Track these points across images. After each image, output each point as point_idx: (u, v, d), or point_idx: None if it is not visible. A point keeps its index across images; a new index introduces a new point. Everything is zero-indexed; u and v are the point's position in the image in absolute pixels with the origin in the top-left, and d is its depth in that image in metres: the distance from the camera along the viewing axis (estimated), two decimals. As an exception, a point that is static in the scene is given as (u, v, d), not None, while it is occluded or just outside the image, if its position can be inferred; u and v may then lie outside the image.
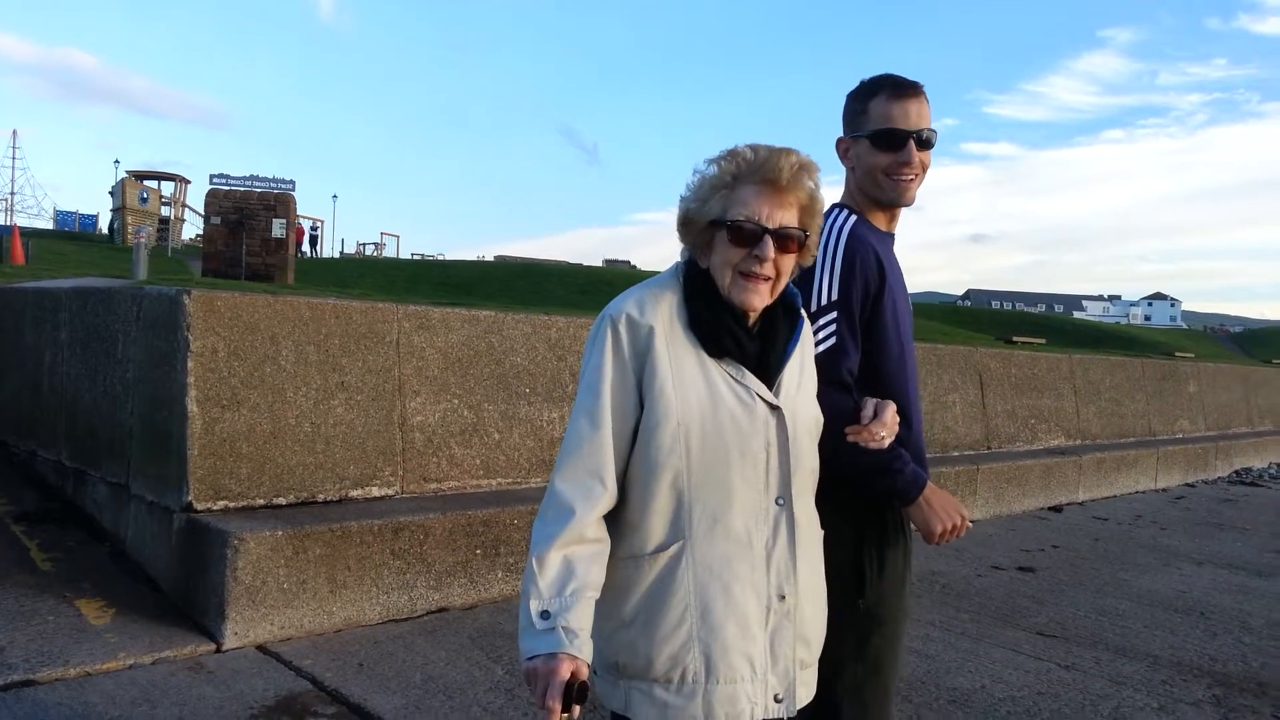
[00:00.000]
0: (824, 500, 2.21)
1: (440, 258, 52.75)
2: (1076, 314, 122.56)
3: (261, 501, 4.59)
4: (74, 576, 4.59)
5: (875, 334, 2.25)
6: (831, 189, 2.47)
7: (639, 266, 50.41)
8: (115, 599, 4.38)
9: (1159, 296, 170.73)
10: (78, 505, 5.49)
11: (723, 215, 1.78)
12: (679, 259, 1.93)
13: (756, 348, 1.83)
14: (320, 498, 4.79)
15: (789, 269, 1.84)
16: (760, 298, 1.80)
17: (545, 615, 1.65)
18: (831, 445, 2.11)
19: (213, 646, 4.04)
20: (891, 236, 2.38)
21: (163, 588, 4.56)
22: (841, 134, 2.38)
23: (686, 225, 1.86)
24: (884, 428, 2.04)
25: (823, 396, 2.09)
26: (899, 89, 2.28)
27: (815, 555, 1.92)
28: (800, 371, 1.92)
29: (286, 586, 4.24)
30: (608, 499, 1.75)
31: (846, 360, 2.19)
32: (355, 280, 27.12)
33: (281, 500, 4.65)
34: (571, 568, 1.70)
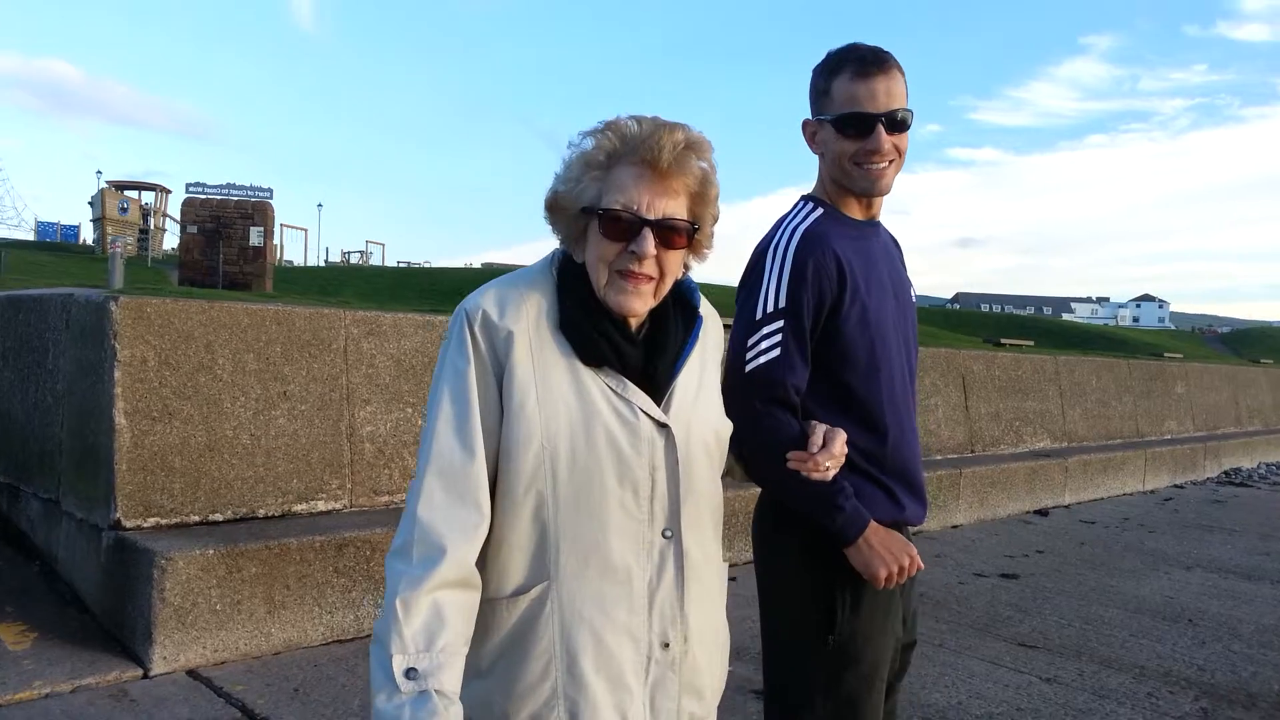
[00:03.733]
0: (791, 527, 2.04)
1: (426, 265, 52.54)
2: (1065, 316, 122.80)
3: (196, 518, 4.34)
4: (-2, 600, 4.33)
5: (836, 346, 2.01)
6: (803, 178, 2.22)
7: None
8: (39, 622, 4.13)
9: (1147, 298, 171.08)
10: (12, 522, 5.22)
11: (596, 202, 1.52)
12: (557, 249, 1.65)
13: (641, 355, 1.56)
14: (261, 513, 4.54)
15: (675, 267, 1.57)
16: (640, 301, 1.53)
17: (412, 674, 1.37)
18: (768, 471, 1.92)
19: (139, 672, 3.78)
20: (873, 226, 2.14)
21: (92, 610, 4.30)
22: (809, 115, 2.11)
23: (555, 211, 1.59)
24: (830, 458, 1.77)
25: (763, 417, 1.90)
26: (863, 65, 2.00)
27: (711, 595, 1.65)
28: (699, 381, 1.65)
29: (219, 608, 3.99)
30: (484, 530, 1.49)
31: (792, 376, 1.96)
32: (337, 288, 26.84)
33: (218, 516, 4.40)
34: (442, 617, 1.42)
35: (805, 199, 2.14)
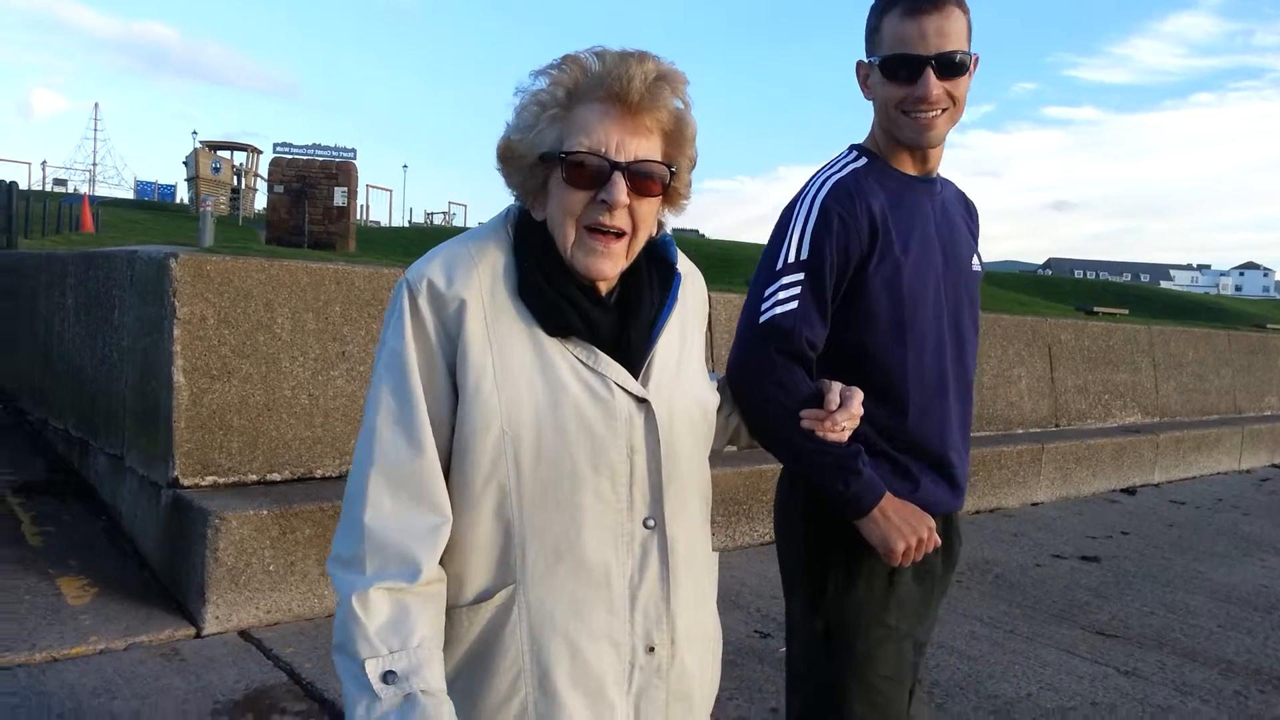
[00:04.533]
0: (799, 491, 1.93)
1: (508, 226, 52.78)
2: (1164, 284, 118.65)
3: (254, 477, 4.33)
4: (62, 552, 4.39)
5: (859, 304, 1.84)
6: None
7: (707, 235, 49.75)
8: (100, 577, 4.17)
9: (1251, 266, 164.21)
10: (83, 476, 5.33)
11: (557, 147, 1.33)
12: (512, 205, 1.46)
13: (613, 321, 1.38)
14: (319, 473, 4.52)
15: (651, 218, 1.38)
16: (611, 263, 1.35)
17: (390, 678, 1.23)
18: (778, 429, 1.76)
19: (192, 631, 3.79)
20: (927, 181, 1.95)
21: (151, 566, 4.34)
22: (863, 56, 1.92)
23: (508, 162, 1.39)
24: (848, 417, 1.66)
25: (776, 369, 1.74)
26: (915, 1, 1.79)
27: (700, 590, 1.49)
28: (680, 348, 1.47)
29: (273, 569, 3.98)
30: (447, 530, 1.33)
31: (808, 329, 1.79)
32: (420, 248, 27.12)
33: (276, 476, 4.39)
34: (409, 611, 1.28)
35: (852, 148, 1.96)
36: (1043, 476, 7.67)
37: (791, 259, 1.81)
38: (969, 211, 2.10)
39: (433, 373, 1.33)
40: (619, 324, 1.38)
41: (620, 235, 1.35)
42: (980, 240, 2.14)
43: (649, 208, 1.37)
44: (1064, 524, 6.88)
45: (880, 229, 1.83)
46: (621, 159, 1.31)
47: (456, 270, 1.34)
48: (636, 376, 1.38)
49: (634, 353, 1.38)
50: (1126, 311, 17.58)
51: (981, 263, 2.08)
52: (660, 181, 1.36)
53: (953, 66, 1.79)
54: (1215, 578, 5.66)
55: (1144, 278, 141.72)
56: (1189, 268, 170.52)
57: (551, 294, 1.34)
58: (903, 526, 1.79)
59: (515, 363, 1.32)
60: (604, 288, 1.39)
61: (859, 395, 1.67)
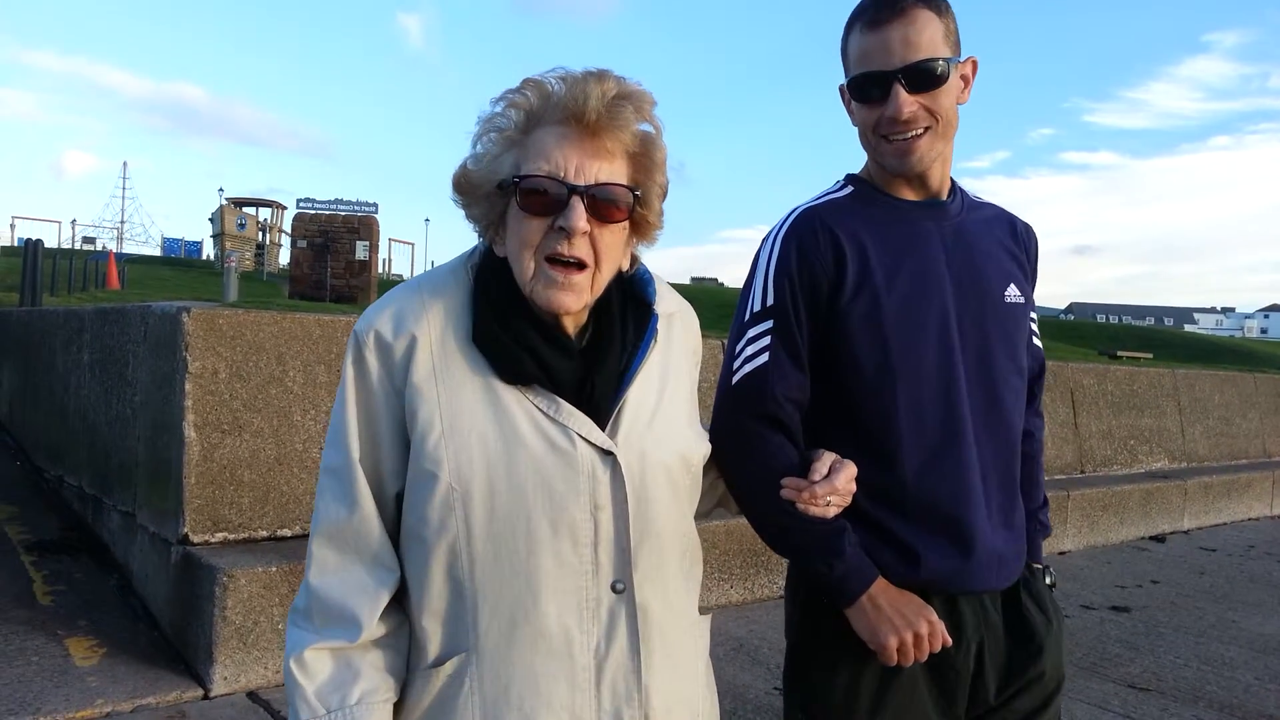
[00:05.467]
0: (792, 566, 1.72)
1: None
2: (1188, 327, 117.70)
3: (264, 533, 4.29)
4: (72, 612, 4.35)
5: (837, 345, 1.64)
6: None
7: (725, 284, 49.81)
8: (109, 637, 4.12)
9: (1276, 308, 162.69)
10: (95, 534, 5.30)
11: (513, 173, 1.26)
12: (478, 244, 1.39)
13: (576, 367, 1.28)
14: (329, 529, 4.47)
15: (614, 249, 1.29)
16: (574, 295, 1.25)
17: None
18: (754, 501, 1.60)
19: (200, 693, 3.73)
20: (932, 206, 1.71)
21: (161, 626, 4.28)
22: None
23: (466, 192, 1.32)
24: (834, 491, 1.47)
25: (751, 437, 1.58)
26: (875, 11, 1.60)
27: (680, 660, 1.38)
28: (658, 396, 1.36)
29: (281, 627, 3.91)
30: (393, 582, 1.28)
31: (781, 384, 1.62)
32: (440, 301, 27.27)
33: (286, 531, 4.34)
34: (354, 668, 1.25)
35: (846, 177, 1.78)
36: (1069, 525, 7.52)
37: (758, 307, 1.66)
38: (1014, 235, 1.82)
39: (376, 425, 1.27)
40: (584, 369, 1.29)
41: (582, 266, 1.26)
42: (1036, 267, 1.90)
43: (613, 236, 1.28)
44: (1092, 573, 6.72)
45: (851, 259, 1.63)
46: (580, 182, 1.23)
47: (405, 318, 1.28)
48: (604, 426, 1.28)
49: (600, 401, 1.29)
50: (1150, 356, 17.39)
51: (1026, 291, 1.79)
52: (624, 206, 1.27)
53: (925, 77, 1.58)
54: (1250, 627, 5.50)
55: (1168, 321, 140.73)
56: (1213, 310, 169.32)
57: (505, 339, 1.26)
58: (895, 618, 1.55)
59: (466, 413, 1.24)
60: (571, 326, 1.31)
61: (850, 470, 1.50)
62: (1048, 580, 1.83)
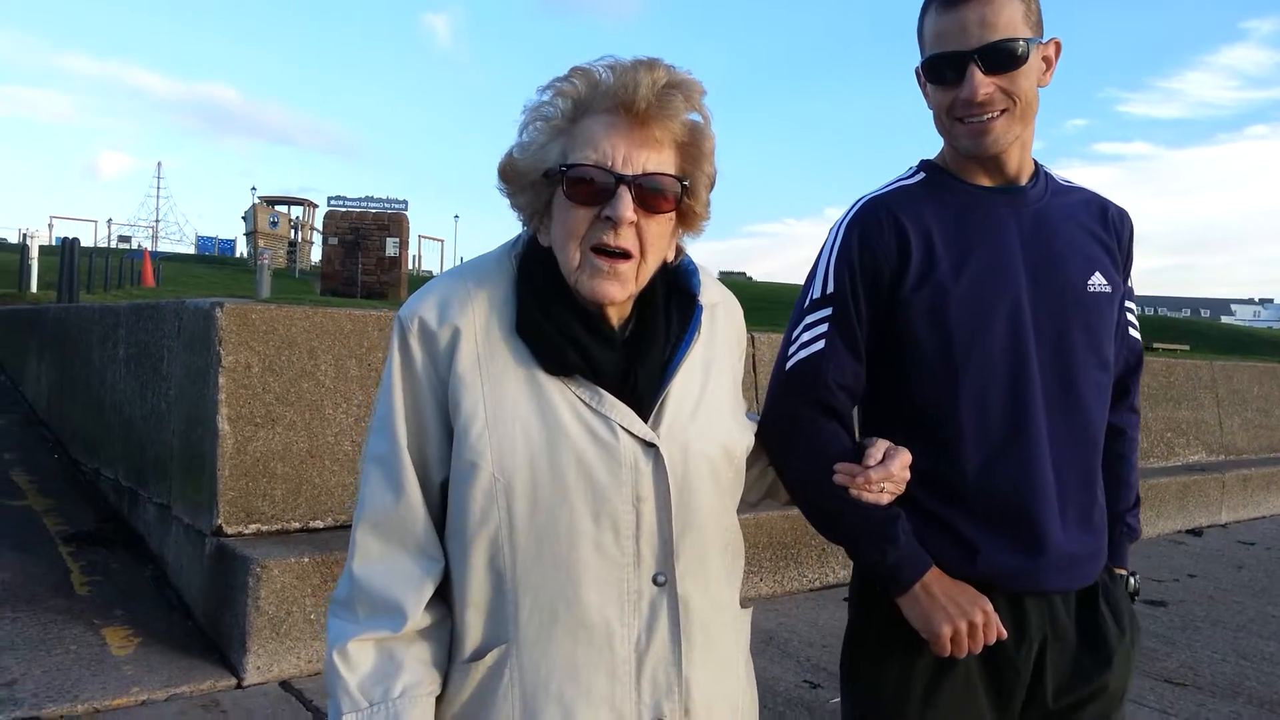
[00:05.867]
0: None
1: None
2: (1225, 318, 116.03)
3: (297, 525, 4.32)
4: (108, 602, 4.41)
5: (899, 336, 1.60)
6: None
7: (754, 278, 49.64)
8: (144, 627, 4.17)
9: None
10: (131, 526, 5.36)
11: (560, 162, 1.25)
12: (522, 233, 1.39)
13: (619, 358, 1.27)
14: (361, 521, 4.50)
15: (662, 240, 1.28)
16: (619, 285, 1.24)
17: None
18: (806, 489, 1.58)
19: (233, 682, 3.76)
20: (1010, 192, 1.65)
21: (195, 616, 4.33)
22: None
23: (511, 180, 1.31)
24: (889, 477, 1.46)
25: (803, 423, 1.56)
26: None
27: (723, 654, 1.36)
28: (700, 388, 1.35)
29: (314, 617, 3.95)
30: (437, 572, 1.28)
31: (836, 371, 1.60)
32: (470, 297, 27.43)
33: (319, 523, 4.38)
34: (396, 661, 1.24)
35: (920, 162, 1.74)
36: (1104, 518, 7.43)
37: (817, 294, 1.64)
38: (1104, 220, 1.74)
39: (422, 413, 1.27)
40: (627, 360, 1.28)
41: (628, 256, 1.25)
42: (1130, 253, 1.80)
43: (659, 226, 1.27)
44: (1128, 567, 6.63)
45: (916, 247, 1.59)
46: (628, 172, 1.22)
47: (450, 305, 1.27)
48: (647, 418, 1.28)
49: (643, 392, 1.28)
50: (1187, 348, 17.17)
51: (1115, 279, 1.71)
52: (672, 196, 1.26)
53: (1003, 58, 1.52)
54: (1290, 622, 5.41)
55: (1204, 313, 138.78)
56: (1250, 302, 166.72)
57: (549, 329, 1.25)
58: (949, 606, 1.50)
59: (509, 403, 1.24)
60: (615, 317, 1.30)
61: (904, 456, 1.48)
62: (1130, 587, 1.76)
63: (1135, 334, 1.84)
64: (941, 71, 1.58)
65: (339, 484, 4.45)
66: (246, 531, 4.18)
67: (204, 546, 4.21)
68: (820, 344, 1.61)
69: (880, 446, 1.49)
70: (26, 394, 10.41)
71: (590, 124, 1.24)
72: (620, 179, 1.22)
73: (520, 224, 1.37)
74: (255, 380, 4.29)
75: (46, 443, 8.01)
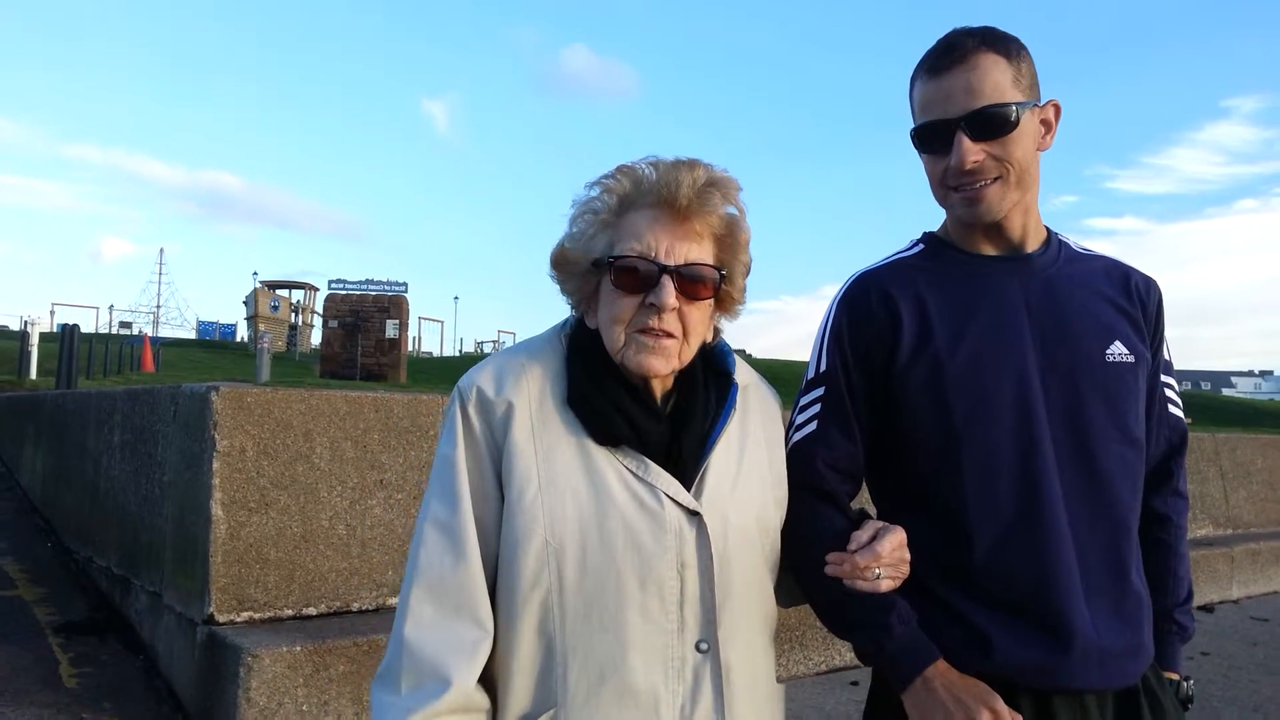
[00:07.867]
0: None
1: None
2: (1225, 391, 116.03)
3: (290, 612, 4.24)
4: (98, 694, 4.30)
5: (897, 413, 1.56)
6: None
7: (754, 355, 49.88)
8: (133, 720, 4.06)
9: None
10: (123, 615, 5.27)
11: (608, 252, 1.35)
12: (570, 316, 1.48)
13: (665, 430, 1.34)
14: (355, 606, 4.42)
15: (702, 323, 1.37)
16: (663, 360, 1.32)
17: None
18: (801, 575, 1.53)
19: (222, 777, 3.65)
20: (1014, 260, 1.60)
21: (186, 709, 4.22)
22: None
23: (562, 269, 1.41)
24: (876, 560, 1.40)
25: (797, 505, 1.52)
26: (935, 59, 1.53)
27: (763, 718, 1.39)
28: (739, 460, 1.41)
29: (306, 708, 3.84)
30: (486, 646, 1.29)
31: (826, 451, 1.56)
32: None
33: (312, 610, 4.29)
34: None
35: (924, 235, 1.70)
36: (1113, 594, 7.31)
37: (811, 373, 1.63)
38: (1126, 288, 1.65)
39: (481, 478, 1.31)
40: (671, 432, 1.34)
41: (672, 336, 1.33)
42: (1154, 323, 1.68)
43: (700, 312, 1.35)
44: (1139, 645, 6.49)
45: (908, 321, 1.55)
46: (670, 262, 1.32)
47: (506, 378, 1.34)
48: (689, 488, 1.32)
49: (686, 463, 1.34)
50: (1190, 420, 17.12)
51: (1139, 349, 1.60)
52: (711, 284, 1.35)
53: (991, 124, 1.49)
54: (1309, 701, 5.27)
55: (1204, 385, 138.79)
56: (1251, 374, 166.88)
57: (601, 401, 1.32)
58: (950, 703, 1.37)
59: (561, 471, 1.29)
60: (658, 389, 1.37)
61: (895, 536, 1.43)
62: (1181, 693, 1.62)
63: (1177, 411, 1.73)
64: (930, 141, 1.56)
65: (332, 569, 4.38)
66: (238, 619, 4.10)
67: (195, 635, 4.12)
68: (812, 426, 1.59)
69: (869, 529, 1.46)
70: (22, 482, 10.34)
71: (635, 218, 1.34)
72: (664, 269, 1.31)
73: (569, 308, 1.46)
74: (250, 464, 4.25)
75: (40, 531, 7.92)
